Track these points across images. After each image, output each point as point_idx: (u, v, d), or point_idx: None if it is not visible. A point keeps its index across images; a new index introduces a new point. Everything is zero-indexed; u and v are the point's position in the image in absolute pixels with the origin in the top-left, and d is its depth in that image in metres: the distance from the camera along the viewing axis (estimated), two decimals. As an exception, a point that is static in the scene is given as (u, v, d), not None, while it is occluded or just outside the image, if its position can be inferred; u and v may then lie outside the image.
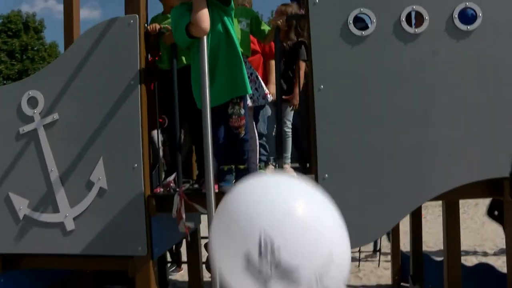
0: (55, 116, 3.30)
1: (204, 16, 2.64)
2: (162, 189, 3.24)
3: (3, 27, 29.51)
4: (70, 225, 3.25)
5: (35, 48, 30.45)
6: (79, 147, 3.27)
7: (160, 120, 3.46)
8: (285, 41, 3.75)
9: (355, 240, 3.00)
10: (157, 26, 3.30)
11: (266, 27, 3.62)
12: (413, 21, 3.14)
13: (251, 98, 3.41)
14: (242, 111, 3.06)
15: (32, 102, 3.33)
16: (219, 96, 2.93)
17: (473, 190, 3.05)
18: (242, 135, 3.09)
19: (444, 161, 2.97)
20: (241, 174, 3.05)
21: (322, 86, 3.04)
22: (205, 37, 2.67)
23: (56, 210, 3.27)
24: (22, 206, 3.30)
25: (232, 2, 2.90)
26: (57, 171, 3.29)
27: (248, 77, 3.42)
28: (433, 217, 10.86)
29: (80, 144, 3.27)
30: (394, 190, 2.99)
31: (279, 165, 3.35)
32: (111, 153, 3.21)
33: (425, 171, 2.98)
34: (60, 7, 3.92)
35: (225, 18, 2.89)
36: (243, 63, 3.01)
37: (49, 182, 3.29)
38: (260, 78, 3.56)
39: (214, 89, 2.77)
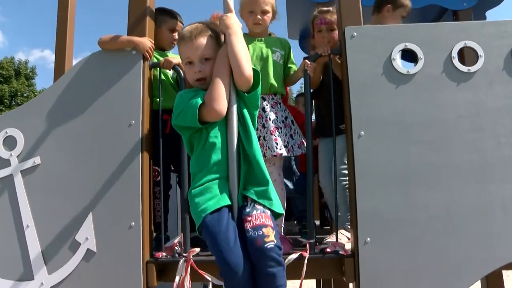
0: (36, 160, 2.74)
1: (220, 96, 2.02)
2: (164, 254, 2.63)
3: (-6, 73, 29.31)
4: (45, 297, 2.61)
5: (25, 95, 30.09)
6: (63, 199, 2.69)
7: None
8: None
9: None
10: (173, 62, 2.81)
11: (293, 66, 3.11)
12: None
13: (285, 146, 2.88)
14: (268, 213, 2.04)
15: (9, 143, 2.78)
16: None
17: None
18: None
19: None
20: None
21: (362, 133, 2.54)
22: (235, 120, 2.06)
23: (29, 276, 2.64)
24: (-14, 270, 2.67)
25: (259, 90, 2.12)
26: (35, 227, 2.69)
27: (282, 122, 2.93)
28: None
29: (65, 196, 2.69)
30: (452, 259, 2.46)
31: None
32: (103, 207, 2.63)
33: (491, 233, 2.46)
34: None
35: (245, 112, 2.11)
36: (263, 164, 2.08)
37: (23, 240, 2.68)
38: (296, 123, 3.04)
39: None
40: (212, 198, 1.98)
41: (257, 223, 1.92)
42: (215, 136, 2.04)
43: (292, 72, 3.08)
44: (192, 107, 2.01)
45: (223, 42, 2.16)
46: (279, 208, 2.07)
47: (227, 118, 2.06)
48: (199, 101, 2.02)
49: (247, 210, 1.99)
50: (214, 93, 2.01)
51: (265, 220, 1.93)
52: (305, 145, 2.91)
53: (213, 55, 2.10)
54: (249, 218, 1.95)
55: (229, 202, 1.99)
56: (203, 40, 2.10)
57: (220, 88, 2.02)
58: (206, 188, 2.00)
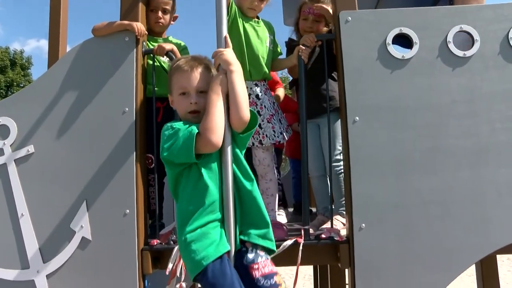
0: (30, 149, 2.72)
1: (217, 127, 1.90)
2: (159, 241, 2.63)
3: (-11, 63, 29.06)
4: (42, 285, 2.61)
5: (21, 85, 29.91)
6: (57, 188, 2.68)
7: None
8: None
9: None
10: (166, 48, 2.77)
11: (278, 50, 3.13)
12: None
13: (281, 133, 2.88)
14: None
15: (3, 132, 2.76)
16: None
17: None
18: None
19: (508, 206, 2.47)
20: None
21: (357, 118, 2.53)
22: (229, 161, 1.94)
23: (25, 265, 2.65)
24: (-19, 259, 2.67)
25: (253, 131, 2.06)
26: (29, 216, 2.69)
27: (272, 106, 2.92)
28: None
29: (59, 184, 2.68)
30: (446, 243, 2.47)
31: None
32: (97, 195, 2.62)
33: (485, 218, 2.47)
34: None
35: (238, 151, 2.02)
36: (262, 204, 2.00)
37: (18, 229, 2.68)
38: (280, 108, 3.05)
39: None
40: (211, 244, 1.86)
41: (266, 271, 1.90)
42: (209, 177, 1.91)
43: (277, 57, 3.08)
44: (188, 140, 1.87)
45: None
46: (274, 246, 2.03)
47: (221, 158, 1.95)
48: (195, 130, 1.88)
49: (250, 257, 1.92)
50: (210, 124, 1.89)
51: (273, 268, 1.92)
52: (291, 129, 2.97)
53: (208, 89, 1.99)
54: (255, 266, 1.90)
55: (228, 248, 1.89)
56: (201, 73, 2.01)
57: (217, 119, 1.90)
58: (203, 233, 1.87)
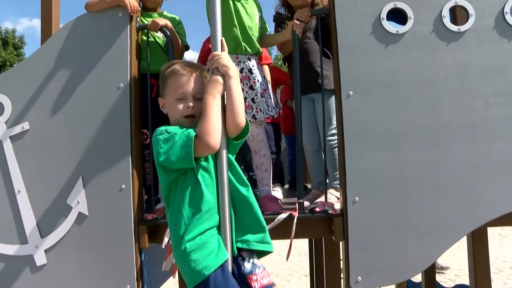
0: (25, 125, 2.72)
1: (215, 130, 1.89)
2: (155, 215, 2.66)
3: (-19, 43, 28.70)
4: (40, 260, 2.65)
5: (14, 65, 29.60)
6: (53, 164, 2.69)
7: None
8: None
9: (394, 276, 2.55)
10: (160, 23, 2.76)
11: (266, 27, 3.12)
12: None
13: (274, 108, 2.90)
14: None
15: (-3, 109, 2.76)
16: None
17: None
18: None
19: (500, 180, 2.50)
20: None
21: (351, 93, 2.53)
22: (225, 166, 1.94)
23: (23, 240, 2.67)
24: (-20, 235, 2.69)
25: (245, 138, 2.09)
26: (26, 192, 2.70)
27: (263, 81, 2.93)
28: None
29: (55, 160, 2.69)
30: (439, 217, 2.50)
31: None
32: (93, 171, 2.64)
33: (477, 192, 2.51)
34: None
35: (230, 156, 2.01)
36: (258, 209, 2.02)
37: (16, 205, 2.69)
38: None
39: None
40: (211, 253, 1.86)
41: (265, 282, 1.94)
42: (205, 184, 1.91)
43: (265, 33, 3.08)
44: (186, 144, 1.85)
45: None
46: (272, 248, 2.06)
47: (217, 164, 1.95)
48: (192, 133, 1.86)
49: (248, 267, 1.95)
50: (207, 126, 1.88)
51: (270, 278, 1.96)
52: (280, 105, 2.98)
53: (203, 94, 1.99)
54: (254, 278, 1.93)
55: (227, 256, 1.90)
56: (198, 78, 2.03)
57: (214, 121, 1.89)
58: (202, 242, 1.86)
